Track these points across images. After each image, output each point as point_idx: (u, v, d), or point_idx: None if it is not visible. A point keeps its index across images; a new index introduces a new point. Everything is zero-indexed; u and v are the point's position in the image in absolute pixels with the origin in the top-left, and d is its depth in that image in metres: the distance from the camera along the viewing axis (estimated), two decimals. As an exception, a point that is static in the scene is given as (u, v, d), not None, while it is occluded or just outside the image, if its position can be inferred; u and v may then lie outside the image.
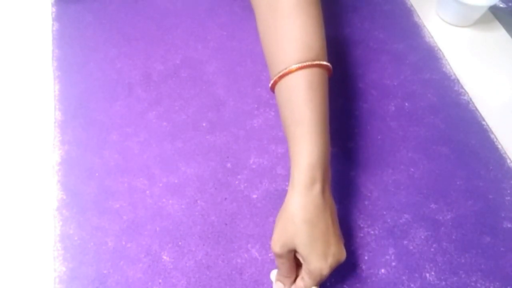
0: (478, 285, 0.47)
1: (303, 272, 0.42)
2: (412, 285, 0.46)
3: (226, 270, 0.47)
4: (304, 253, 0.40)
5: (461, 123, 0.58)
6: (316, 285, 0.42)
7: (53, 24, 0.66)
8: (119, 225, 0.49)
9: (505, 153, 0.56)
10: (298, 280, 0.43)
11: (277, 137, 0.56)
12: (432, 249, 0.49)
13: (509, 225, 0.50)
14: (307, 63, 0.43)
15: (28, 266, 0.47)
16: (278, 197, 0.52)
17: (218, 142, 0.56)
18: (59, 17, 0.67)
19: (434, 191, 0.53)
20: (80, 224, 0.49)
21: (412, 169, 0.54)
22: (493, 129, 0.58)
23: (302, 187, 0.41)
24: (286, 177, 0.53)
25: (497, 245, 0.49)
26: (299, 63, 0.43)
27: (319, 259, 0.40)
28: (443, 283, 0.47)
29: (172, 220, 0.50)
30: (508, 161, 0.55)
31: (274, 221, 0.50)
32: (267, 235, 0.49)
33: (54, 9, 0.68)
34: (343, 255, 0.42)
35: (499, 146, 0.56)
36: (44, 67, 0.61)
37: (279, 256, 0.42)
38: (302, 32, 0.44)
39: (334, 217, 0.43)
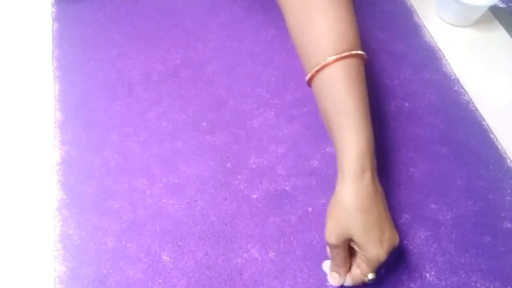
0: (478, 285, 0.47)
1: (359, 260, 0.42)
2: (412, 285, 0.46)
3: (226, 270, 0.47)
4: (360, 241, 0.41)
5: (461, 123, 0.58)
6: (373, 272, 0.42)
7: (53, 24, 0.66)
8: (119, 225, 0.49)
9: (505, 153, 0.56)
10: (354, 268, 0.43)
11: (277, 137, 0.56)
12: (432, 249, 0.49)
13: (509, 225, 0.50)
14: (345, 54, 0.43)
15: (28, 266, 0.47)
16: (278, 197, 0.52)
17: (218, 142, 0.56)
18: (59, 17, 0.67)
19: (434, 191, 0.53)
20: (80, 224, 0.49)
21: (412, 169, 0.54)
22: (493, 129, 0.58)
23: (353, 176, 0.41)
24: (286, 177, 0.53)
25: (497, 245, 0.49)
26: (336, 54, 0.43)
27: (376, 246, 0.41)
28: (443, 283, 0.47)
29: (172, 220, 0.50)
30: (508, 161, 0.55)
31: (274, 221, 0.50)
32: (267, 235, 0.49)
33: (54, 9, 0.68)
34: (397, 239, 0.43)
35: (499, 146, 0.56)
36: (44, 67, 0.61)
37: (335, 246, 0.42)
38: (337, 24, 0.44)
39: (385, 203, 0.43)
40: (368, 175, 0.42)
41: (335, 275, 0.44)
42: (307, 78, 0.46)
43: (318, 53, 0.44)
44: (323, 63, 0.43)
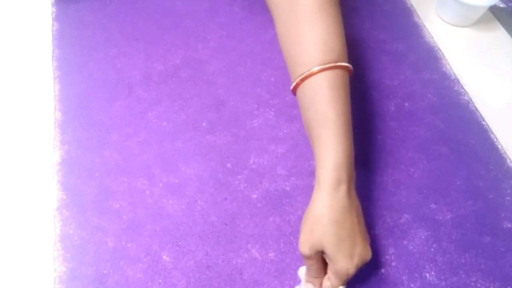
0: (478, 285, 0.47)
1: (329, 272, 0.42)
2: (412, 285, 0.46)
3: (226, 270, 0.47)
4: (331, 254, 0.41)
5: (461, 123, 0.58)
6: (342, 285, 0.42)
7: (53, 24, 0.66)
8: (119, 225, 0.49)
9: (505, 153, 0.56)
10: (325, 280, 0.43)
11: (277, 137, 0.56)
12: (432, 249, 0.49)
13: (509, 225, 0.50)
14: (329, 65, 0.43)
15: (28, 266, 0.47)
16: (278, 197, 0.52)
17: (218, 142, 0.56)
18: (59, 17, 0.67)
19: (434, 191, 0.53)
20: (80, 224, 0.49)
21: (412, 169, 0.54)
22: (493, 129, 0.58)
23: (329, 188, 0.41)
24: (286, 177, 0.53)
25: (497, 245, 0.49)
26: (321, 65, 0.43)
27: (346, 259, 0.40)
28: (443, 283, 0.47)
29: (172, 220, 0.50)
30: (508, 161, 0.55)
31: (274, 221, 0.50)
32: (267, 235, 0.49)
33: (54, 9, 0.68)
34: (368, 255, 0.42)
35: (499, 146, 0.56)
36: (44, 67, 0.61)
37: (308, 257, 0.42)
38: (324, 34, 0.44)
39: (359, 217, 0.43)
40: (343, 188, 0.41)
41: (310, 286, 0.44)
42: (291, 86, 0.46)
43: (304, 62, 0.44)
44: (307, 72, 0.43)
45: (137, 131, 0.56)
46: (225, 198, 0.51)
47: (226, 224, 0.50)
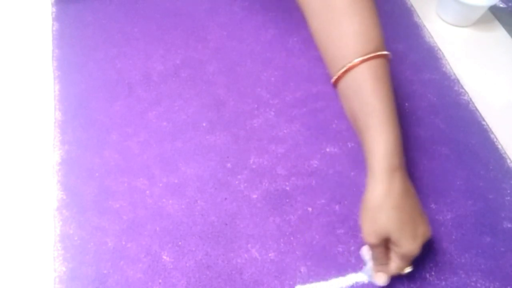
0: (478, 285, 0.47)
1: (394, 256, 0.43)
2: (412, 285, 0.46)
3: (226, 270, 0.47)
4: (396, 238, 0.42)
5: (461, 123, 0.58)
6: (409, 265, 0.44)
7: (53, 24, 0.66)
8: (119, 225, 0.49)
9: (505, 153, 0.56)
10: (392, 264, 0.44)
11: (277, 137, 0.56)
12: (432, 249, 0.49)
13: (509, 225, 0.50)
14: (370, 55, 0.44)
15: (28, 266, 0.47)
16: (278, 197, 0.52)
17: (218, 142, 0.56)
18: (59, 17, 0.67)
19: (434, 191, 0.53)
20: (80, 224, 0.49)
21: (412, 169, 0.54)
22: (493, 129, 0.58)
23: (384, 175, 0.42)
24: (286, 177, 0.53)
25: (497, 245, 0.49)
26: (361, 56, 0.43)
27: (410, 241, 0.42)
28: (443, 283, 0.47)
29: (172, 220, 0.50)
30: (508, 161, 0.55)
31: (274, 221, 0.50)
32: (267, 235, 0.49)
33: (54, 9, 0.68)
34: (429, 233, 0.44)
35: (499, 146, 0.56)
36: (44, 67, 0.61)
37: (376, 246, 0.43)
38: (361, 26, 0.44)
39: (416, 199, 0.45)
40: (399, 173, 0.43)
41: (382, 274, 0.44)
42: (333, 80, 0.46)
43: (344, 55, 0.45)
44: (349, 65, 0.44)
45: (137, 131, 0.56)
46: (225, 198, 0.51)
47: (226, 224, 0.50)
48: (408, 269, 0.44)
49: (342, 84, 0.46)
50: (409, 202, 0.43)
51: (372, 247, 0.44)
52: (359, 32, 0.44)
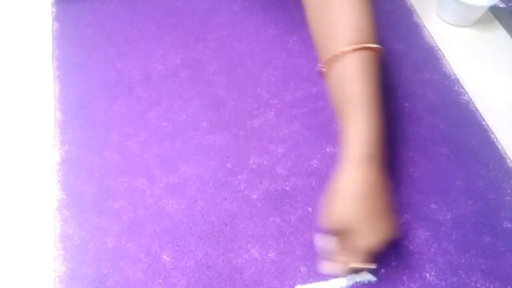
0: (478, 285, 0.47)
1: (351, 248, 0.42)
2: (412, 285, 0.46)
3: (226, 270, 0.47)
4: (354, 229, 0.41)
5: (461, 123, 0.58)
6: (362, 262, 0.42)
7: (53, 24, 0.66)
8: (119, 225, 0.49)
9: (505, 153, 0.56)
10: (345, 256, 0.43)
11: (277, 137, 0.56)
12: (432, 249, 0.49)
13: (509, 225, 0.50)
14: (359, 46, 0.44)
15: (28, 266, 0.47)
16: (278, 197, 0.52)
17: (218, 142, 0.56)
18: (59, 17, 0.67)
19: (434, 191, 0.53)
20: (80, 224, 0.49)
21: (412, 169, 0.54)
22: (493, 129, 0.58)
23: (359, 163, 0.41)
24: (286, 177, 0.53)
25: (497, 245, 0.49)
26: (350, 46, 0.44)
27: (368, 236, 0.41)
28: (443, 283, 0.47)
29: (172, 220, 0.50)
30: (508, 161, 0.55)
31: (274, 221, 0.50)
32: (267, 235, 0.49)
33: (54, 9, 0.68)
34: (392, 233, 0.42)
35: (499, 146, 0.56)
36: (44, 67, 0.61)
37: (335, 233, 0.42)
38: (353, 17, 0.45)
39: (387, 194, 0.43)
40: (374, 164, 0.42)
41: (334, 263, 0.44)
42: (321, 68, 0.47)
43: (334, 45, 0.45)
44: (337, 53, 0.45)
45: (137, 131, 0.56)
46: (225, 198, 0.51)
47: (226, 224, 0.50)
48: (373, 266, 0.43)
49: (329, 74, 0.47)
50: (378, 196, 0.42)
51: (333, 235, 0.43)
52: (350, 23, 0.45)
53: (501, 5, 0.72)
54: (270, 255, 0.48)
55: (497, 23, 0.71)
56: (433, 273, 0.47)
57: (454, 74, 0.63)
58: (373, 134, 0.42)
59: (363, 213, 0.41)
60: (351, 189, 0.41)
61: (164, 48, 0.64)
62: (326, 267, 0.44)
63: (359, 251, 0.41)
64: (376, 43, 0.46)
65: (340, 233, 0.43)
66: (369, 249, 0.41)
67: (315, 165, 0.54)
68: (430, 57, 0.65)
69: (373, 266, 0.43)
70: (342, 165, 0.43)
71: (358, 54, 0.44)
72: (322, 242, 0.46)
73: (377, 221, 0.41)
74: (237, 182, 0.53)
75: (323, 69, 0.47)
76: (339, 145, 0.44)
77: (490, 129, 0.58)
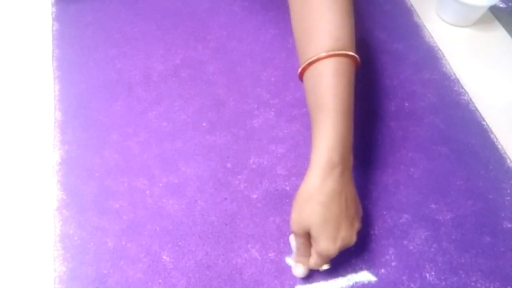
0: (478, 285, 0.47)
1: (313, 251, 0.44)
2: (412, 285, 0.46)
3: (226, 270, 0.47)
4: (315, 234, 0.42)
5: (461, 123, 0.58)
6: (325, 264, 0.44)
7: (53, 24, 0.66)
8: (119, 225, 0.49)
9: (505, 153, 0.56)
10: (310, 259, 0.44)
11: (277, 137, 0.56)
12: (432, 249, 0.49)
13: (509, 225, 0.50)
14: (334, 52, 0.44)
15: (28, 266, 0.47)
16: (278, 197, 0.52)
17: (218, 142, 0.56)
18: (59, 17, 0.67)
19: (434, 191, 0.53)
20: (80, 224, 0.49)
21: (412, 169, 0.54)
22: (493, 129, 0.58)
23: (320, 170, 0.42)
24: (286, 177, 0.53)
25: (497, 245, 0.49)
26: (327, 52, 0.44)
27: (328, 241, 0.42)
28: (443, 283, 0.47)
29: (172, 220, 0.50)
30: (508, 161, 0.55)
31: (274, 221, 0.50)
32: (267, 235, 0.49)
33: (54, 9, 0.68)
34: (352, 240, 0.44)
35: (499, 146, 0.56)
36: (44, 67, 0.61)
37: (298, 235, 0.44)
38: (331, 24, 0.46)
39: (349, 202, 0.44)
40: (336, 171, 0.42)
41: (300, 266, 0.45)
42: (299, 71, 0.48)
43: (312, 49, 0.46)
44: (313, 58, 0.45)
45: (137, 131, 0.56)
46: (225, 198, 0.51)
47: (226, 224, 0.50)
48: (325, 267, 0.44)
49: (305, 77, 0.47)
50: (339, 202, 0.43)
51: (295, 236, 0.45)
52: (328, 29, 0.45)
53: (501, 5, 0.72)
54: (270, 255, 0.48)
55: (497, 23, 0.71)
56: (433, 273, 0.47)
57: (454, 74, 0.63)
58: (337, 142, 0.43)
59: (321, 218, 0.42)
60: (312, 194, 0.42)
61: (164, 48, 0.64)
62: (298, 270, 0.46)
63: (321, 255, 0.43)
64: (354, 52, 0.46)
65: (301, 236, 0.44)
66: (328, 253, 0.42)
67: (315, 165, 0.54)
68: (430, 57, 0.65)
69: (327, 266, 0.44)
70: (308, 171, 0.43)
71: (333, 60, 0.44)
72: (292, 242, 0.47)
73: (335, 228, 0.42)
74: (237, 182, 0.53)
75: (300, 72, 0.47)
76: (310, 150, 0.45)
77: (490, 129, 0.58)
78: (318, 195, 0.42)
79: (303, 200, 0.43)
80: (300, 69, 0.47)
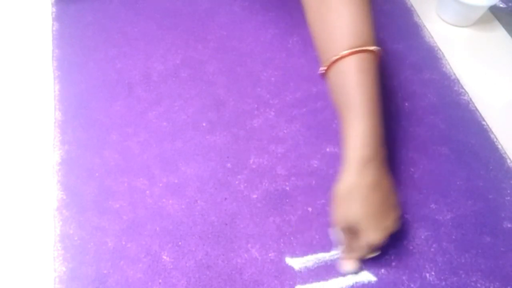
0: (478, 285, 0.47)
1: (360, 243, 0.45)
2: (412, 285, 0.46)
3: (226, 270, 0.47)
4: (363, 227, 0.43)
5: (461, 123, 0.58)
6: (373, 253, 0.46)
7: (53, 24, 0.66)
8: (119, 225, 0.49)
9: (505, 153, 0.56)
10: (356, 252, 0.46)
11: (277, 137, 0.56)
12: (432, 249, 0.49)
13: (509, 225, 0.50)
14: (357, 49, 0.45)
15: (28, 266, 0.47)
16: (278, 197, 0.52)
17: (218, 142, 0.56)
18: (59, 17, 0.67)
19: (434, 191, 0.53)
20: (80, 224, 0.49)
21: (412, 169, 0.54)
22: (493, 129, 0.58)
23: (357, 165, 0.44)
24: (286, 177, 0.53)
25: (497, 245, 0.49)
26: (349, 49, 0.45)
27: (376, 232, 0.44)
28: (443, 283, 0.47)
29: (172, 220, 0.50)
30: (508, 161, 0.55)
31: (274, 221, 0.50)
32: (267, 235, 0.49)
33: (54, 9, 0.68)
34: (395, 226, 0.45)
35: (499, 146, 0.56)
36: (44, 67, 0.61)
37: (344, 231, 0.45)
38: (352, 21, 0.46)
39: (389, 191, 0.46)
40: (372, 164, 0.44)
41: (351, 262, 0.46)
42: (322, 71, 0.48)
43: (333, 48, 0.46)
44: (336, 57, 0.45)
45: (137, 131, 0.56)
46: (225, 198, 0.51)
47: (226, 224, 0.50)
48: (376, 253, 0.46)
49: (329, 76, 0.48)
50: (379, 194, 0.44)
51: (343, 232, 0.46)
52: (348, 26, 0.46)
53: (501, 5, 0.72)
54: (270, 255, 0.48)
55: (497, 23, 0.71)
56: (433, 273, 0.47)
57: (454, 74, 0.63)
58: (371, 137, 0.44)
59: (365, 212, 0.43)
60: (352, 192, 0.44)
61: (164, 48, 0.64)
62: (347, 266, 0.47)
63: (368, 246, 0.44)
64: (375, 45, 0.47)
65: (348, 231, 0.45)
66: (375, 244, 0.44)
67: (315, 165, 0.54)
68: (430, 57, 0.65)
69: (378, 252, 0.46)
70: (343, 168, 0.45)
71: (356, 57, 0.45)
72: (334, 236, 0.48)
73: (379, 219, 0.44)
74: (237, 182, 0.53)
75: (323, 72, 0.48)
76: (341, 147, 0.46)
77: (490, 129, 0.58)
78: (359, 190, 0.43)
79: (344, 197, 0.44)
80: (322, 68, 0.48)
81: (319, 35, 0.49)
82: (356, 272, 0.47)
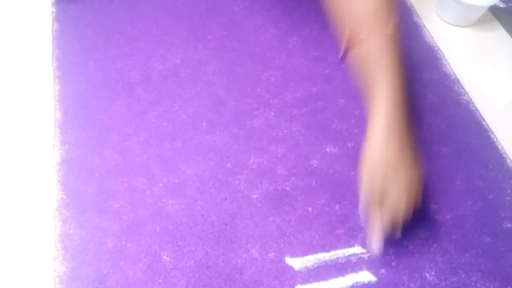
0: (478, 285, 0.47)
1: (385, 210, 0.45)
2: (412, 285, 0.46)
3: (226, 270, 0.47)
4: (387, 190, 0.44)
5: (461, 123, 0.58)
6: (396, 230, 0.46)
7: (53, 24, 0.66)
8: (119, 225, 0.49)
9: (505, 153, 0.56)
10: (383, 221, 0.46)
11: (277, 137, 0.56)
12: (432, 249, 0.49)
13: (509, 225, 0.50)
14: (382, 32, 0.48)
15: (28, 266, 0.47)
16: (278, 197, 0.52)
17: (218, 142, 0.56)
18: (59, 17, 0.67)
19: (434, 191, 0.53)
20: (80, 224, 0.49)
21: (412, 169, 0.54)
22: (493, 129, 0.58)
23: (381, 137, 0.45)
24: (286, 177, 0.53)
25: (497, 245, 0.49)
26: (374, 31, 0.48)
27: (399, 194, 0.44)
28: (443, 283, 0.47)
29: (172, 220, 0.50)
30: (508, 161, 0.55)
31: (274, 221, 0.50)
32: (267, 235, 0.49)
33: (54, 9, 0.68)
34: (417, 188, 0.46)
35: (499, 146, 0.56)
36: (44, 67, 0.61)
37: (374, 202, 0.45)
38: (376, 6, 0.49)
39: (411, 156, 0.47)
40: (396, 135, 0.45)
41: (375, 240, 0.46)
42: (341, 53, 0.50)
43: (357, 13, 0.48)
44: (363, 38, 0.48)
45: (137, 131, 0.56)
46: (225, 198, 0.51)
47: (226, 224, 0.50)
48: (398, 234, 0.46)
49: (351, 58, 0.49)
50: (403, 157, 0.45)
51: (372, 205, 0.46)
52: (374, 11, 0.49)
53: (501, 5, 0.72)
54: (270, 255, 0.48)
55: (497, 23, 0.71)
56: (433, 273, 0.47)
57: (454, 74, 0.63)
58: (397, 104, 0.46)
59: (391, 177, 0.44)
60: (378, 157, 0.45)
61: (164, 48, 0.64)
62: (375, 244, 0.46)
63: (391, 212, 0.44)
64: (396, 30, 0.50)
65: (376, 200, 0.45)
66: (399, 208, 0.44)
67: (315, 165, 0.54)
68: (430, 57, 0.65)
69: (399, 235, 0.47)
70: (369, 134, 0.46)
71: (381, 39, 0.48)
72: (364, 212, 0.48)
73: (403, 182, 0.45)
74: (237, 182, 0.53)
75: (347, 49, 0.50)
76: (366, 111, 0.47)
77: (490, 129, 0.58)
78: (384, 158, 0.44)
79: (371, 166, 0.45)
80: (342, 51, 0.50)
81: (345, 20, 0.50)
82: (381, 253, 0.47)
